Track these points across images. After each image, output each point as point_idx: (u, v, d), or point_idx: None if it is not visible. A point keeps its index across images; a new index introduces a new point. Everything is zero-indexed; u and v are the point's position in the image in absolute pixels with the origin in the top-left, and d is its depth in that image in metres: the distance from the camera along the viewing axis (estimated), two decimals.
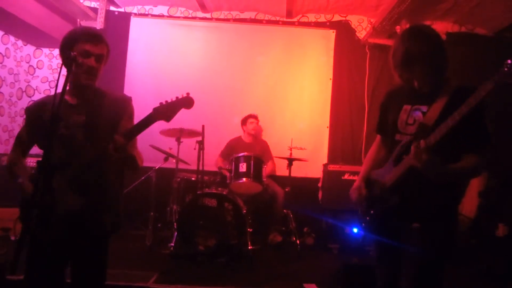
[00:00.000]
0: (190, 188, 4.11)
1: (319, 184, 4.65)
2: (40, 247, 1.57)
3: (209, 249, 3.42)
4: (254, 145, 4.67)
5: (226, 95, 5.11)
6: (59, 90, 1.43)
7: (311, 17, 5.24)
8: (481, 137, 1.54)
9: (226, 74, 5.12)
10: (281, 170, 4.51)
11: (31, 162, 3.48)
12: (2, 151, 4.70)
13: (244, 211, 3.61)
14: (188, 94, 1.66)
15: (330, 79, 5.12)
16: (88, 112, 1.68)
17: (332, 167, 4.43)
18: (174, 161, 4.11)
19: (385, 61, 4.93)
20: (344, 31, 5.16)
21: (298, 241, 3.86)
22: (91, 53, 1.64)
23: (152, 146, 3.92)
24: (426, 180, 1.50)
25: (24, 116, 1.81)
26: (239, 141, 4.74)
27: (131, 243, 3.87)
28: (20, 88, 5.19)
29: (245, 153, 3.99)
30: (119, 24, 5.19)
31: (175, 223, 3.68)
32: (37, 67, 5.32)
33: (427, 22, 4.64)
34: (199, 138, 3.83)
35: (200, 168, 3.76)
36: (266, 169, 4.07)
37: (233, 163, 3.95)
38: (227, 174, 4.00)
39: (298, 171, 4.52)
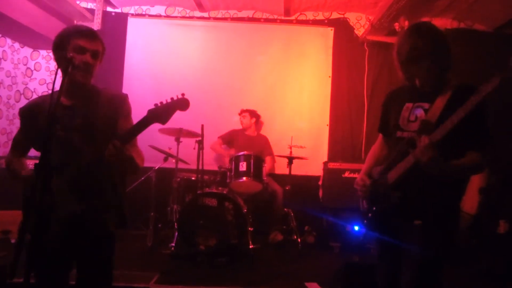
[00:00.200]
0: (190, 188, 4.11)
1: (320, 182, 4.64)
2: (40, 248, 1.56)
3: (210, 248, 3.41)
4: (255, 139, 4.71)
5: (225, 94, 5.10)
6: (55, 91, 1.41)
7: (309, 15, 5.22)
8: (483, 135, 1.55)
9: (225, 73, 5.11)
10: (281, 168, 4.50)
11: (29, 164, 3.46)
12: (0, 154, 4.68)
13: (245, 210, 3.60)
14: (183, 95, 1.60)
15: (329, 77, 5.11)
16: (84, 113, 1.64)
17: (332, 165, 4.41)
18: (173, 161, 4.10)
19: (384, 58, 4.93)
20: (342, 29, 5.15)
21: (299, 240, 3.86)
22: (87, 49, 1.59)
23: (151, 147, 3.90)
24: (428, 177, 1.50)
25: None
26: (241, 133, 4.78)
27: (131, 243, 3.86)
28: (18, 90, 5.17)
29: (245, 152, 3.98)
30: (116, 25, 5.16)
31: (175, 223, 3.67)
32: (35, 69, 5.30)
33: (426, 19, 4.63)
34: (199, 138, 3.82)
35: (200, 167, 3.76)
36: (266, 167, 4.07)
37: (233, 162, 3.94)
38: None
39: (298, 169, 4.51)
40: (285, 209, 4.11)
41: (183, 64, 5.10)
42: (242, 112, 4.77)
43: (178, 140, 4.04)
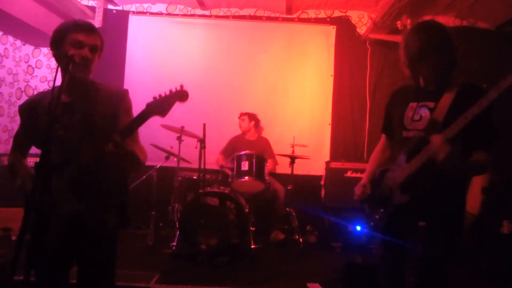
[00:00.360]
0: (192, 187, 4.10)
1: (322, 182, 4.62)
2: (40, 248, 1.55)
3: (211, 248, 3.40)
4: (255, 143, 4.65)
5: (226, 92, 5.08)
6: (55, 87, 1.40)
7: (311, 13, 5.20)
8: (491, 134, 1.54)
9: (226, 72, 5.09)
10: (284, 167, 4.48)
11: (30, 162, 3.46)
12: (2, 151, 4.68)
13: (247, 209, 3.58)
14: (182, 86, 1.55)
15: (331, 75, 5.08)
16: (83, 110, 1.60)
17: (334, 165, 4.39)
18: (175, 159, 4.08)
19: (386, 56, 4.92)
20: (344, 27, 5.12)
21: (300, 240, 3.84)
22: (85, 43, 1.55)
23: (153, 145, 3.89)
24: (437, 177, 1.49)
25: None
26: (241, 139, 4.72)
27: (132, 242, 3.85)
28: (19, 88, 5.17)
29: (247, 151, 3.96)
30: (117, 22, 5.14)
31: (177, 222, 3.66)
32: (36, 66, 5.29)
33: (428, 17, 4.60)
34: (200, 137, 3.81)
35: (202, 166, 3.74)
36: (268, 166, 4.05)
37: (235, 161, 3.92)
38: (229, 172, 3.98)
39: (301, 168, 4.49)
40: (287, 209, 4.10)
41: (184, 62, 5.07)
42: (241, 115, 4.73)
43: (179, 139, 4.03)
